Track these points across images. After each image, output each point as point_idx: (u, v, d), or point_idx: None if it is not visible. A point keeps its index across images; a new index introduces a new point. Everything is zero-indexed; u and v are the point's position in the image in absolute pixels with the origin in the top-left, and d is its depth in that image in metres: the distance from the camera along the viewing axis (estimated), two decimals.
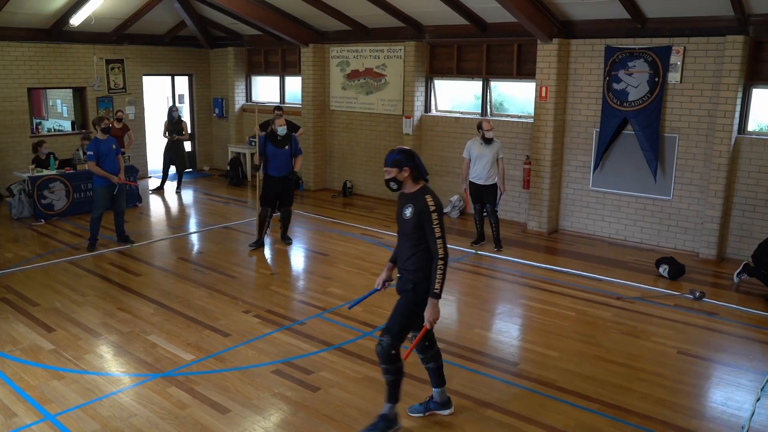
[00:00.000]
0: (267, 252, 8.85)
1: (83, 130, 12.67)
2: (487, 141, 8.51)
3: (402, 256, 4.34)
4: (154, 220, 10.64)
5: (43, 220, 10.13)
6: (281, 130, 8.53)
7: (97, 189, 8.55)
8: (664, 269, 7.71)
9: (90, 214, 8.83)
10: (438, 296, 4.17)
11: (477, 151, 8.57)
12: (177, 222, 10.69)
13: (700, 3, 7.82)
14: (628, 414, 4.71)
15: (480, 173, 8.59)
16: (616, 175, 9.17)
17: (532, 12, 8.63)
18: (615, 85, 8.84)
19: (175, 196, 12.39)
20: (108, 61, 13.02)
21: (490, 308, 6.93)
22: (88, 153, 8.50)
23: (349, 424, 4.54)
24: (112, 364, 5.45)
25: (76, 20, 11.13)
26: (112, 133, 9.42)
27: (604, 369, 5.42)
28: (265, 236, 9.08)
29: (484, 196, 8.67)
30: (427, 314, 4.20)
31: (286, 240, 9.10)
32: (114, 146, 8.65)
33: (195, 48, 14.53)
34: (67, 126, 13.16)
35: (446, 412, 4.65)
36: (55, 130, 13.01)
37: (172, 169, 12.87)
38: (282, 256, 8.79)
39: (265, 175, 8.68)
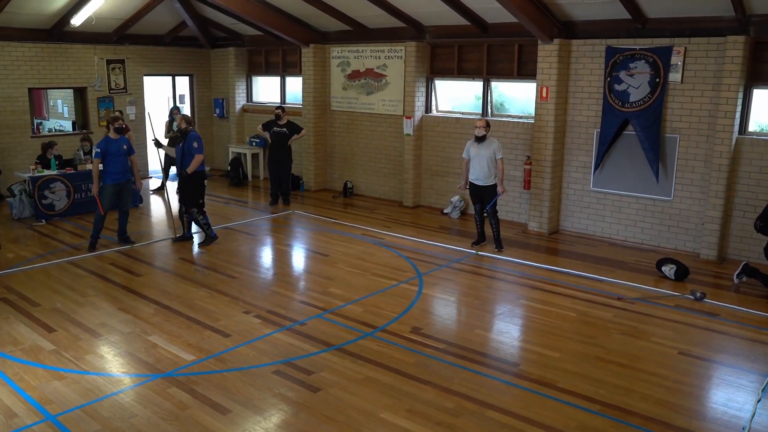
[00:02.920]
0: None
1: (84, 131, 12.67)
2: (479, 139, 8.50)
3: None
4: (155, 221, 10.65)
5: (43, 221, 10.13)
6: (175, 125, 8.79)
7: (103, 186, 8.54)
8: (670, 269, 7.69)
9: (92, 213, 8.81)
10: None
11: (474, 152, 8.58)
12: (178, 222, 10.68)
13: (701, 3, 7.81)
14: (628, 415, 4.71)
15: (478, 174, 8.59)
16: (617, 175, 9.17)
17: (532, 12, 8.63)
18: (616, 86, 8.83)
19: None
20: (109, 62, 13.03)
21: (491, 309, 6.93)
22: (95, 150, 8.50)
23: (350, 425, 4.54)
24: (112, 365, 5.45)
25: (77, 20, 11.13)
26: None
27: (605, 370, 5.42)
28: (186, 230, 9.18)
29: (484, 196, 8.66)
30: None
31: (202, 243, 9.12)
32: (125, 146, 8.64)
33: (196, 48, 14.53)
34: (68, 126, 13.17)
35: None
36: (55, 130, 13.01)
37: (173, 170, 12.86)
38: (282, 257, 8.79)
39: None
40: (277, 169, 11.50)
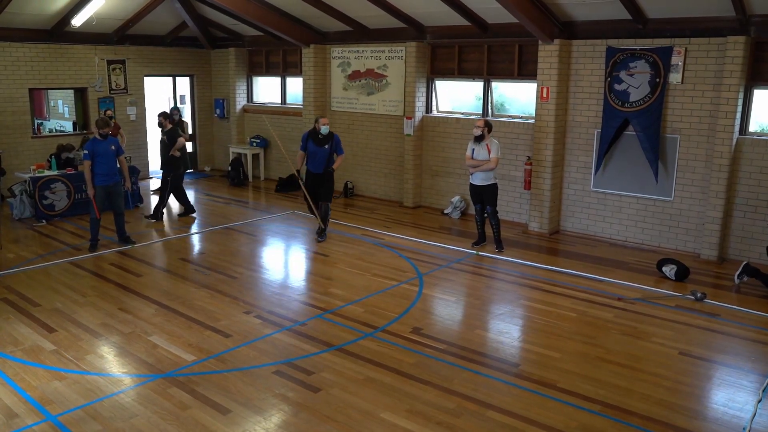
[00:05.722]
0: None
1: (84, 131, 12.67)
2: (477, 139, 8.51)
3: None
4: (155, 221, 10.64)
5: (44, 221, 10.13)
6: (324, 129, 8.91)
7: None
8: (671, 269, 7.69)
9: (90, 214, 8.82)
10: None
11: (474, 151, 8.58)
12: (178, 223, 10.69)
13: (702, 4, 7.81)
14: (629, 415, 4.71)
15: (477, 174, 8.59)
16: (618, 175, 9.16)
17: (533, 12, 8.63)
18: (616, 86, 8.83)
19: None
20: (109, 62, 13.03)
21: (491, 309, 6.92)
22: (84, 152, 8.50)
23: (350, 425, 4.54)
24: (113, 365, 5.45)
25: (77, 21, 11.13)
26: None
27: (605, 370, 5.42)
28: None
29: (484, 197, 8.67)
30: None
31: (321, 236, 9.25)
32: (113, 147, 8.61)
33: (196, 48, 14.54)
34: (68, 126, 13.17)
35: None
36: (56, 130, 13.01)
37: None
38: (282, 257, 8.80)
39: (306, 171, 9.22)
40: (164, 180, 10.44)
